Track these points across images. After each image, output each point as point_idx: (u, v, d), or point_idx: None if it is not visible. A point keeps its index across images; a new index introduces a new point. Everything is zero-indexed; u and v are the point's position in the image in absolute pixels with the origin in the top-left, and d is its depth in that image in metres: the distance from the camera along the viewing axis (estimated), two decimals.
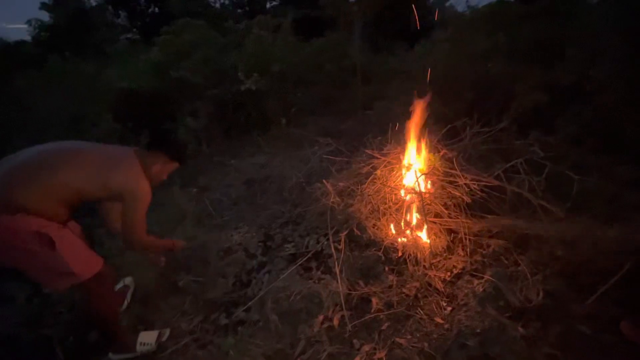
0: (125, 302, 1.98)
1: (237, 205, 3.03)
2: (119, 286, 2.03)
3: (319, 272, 2.01)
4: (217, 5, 15.29)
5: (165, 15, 10.90)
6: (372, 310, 1.76)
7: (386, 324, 1.69)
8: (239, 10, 15.56)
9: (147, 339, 1.73)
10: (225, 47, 5.48)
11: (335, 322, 1.72)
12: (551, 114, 3.14)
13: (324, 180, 2.57)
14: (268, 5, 15.98)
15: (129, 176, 1.50)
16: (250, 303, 1.86)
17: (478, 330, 1.58)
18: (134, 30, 14.01)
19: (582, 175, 2.24)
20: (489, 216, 2.20)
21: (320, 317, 1.73)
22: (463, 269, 1.95)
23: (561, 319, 1.61)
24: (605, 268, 1.84)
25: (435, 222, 2.18)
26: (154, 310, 1.94)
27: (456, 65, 3.81)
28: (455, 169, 2.26)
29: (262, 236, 2.44)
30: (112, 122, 4.37)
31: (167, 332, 1.80)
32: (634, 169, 2.48)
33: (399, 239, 2.14)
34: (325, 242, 2.16)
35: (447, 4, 11.78)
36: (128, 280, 2.08)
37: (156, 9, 14.33)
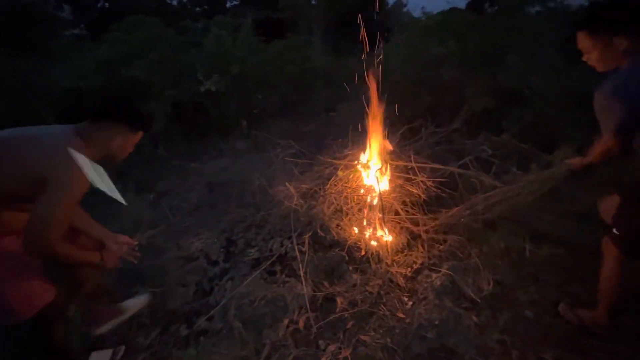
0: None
1: (197, 211, 2.92)
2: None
3: (283, 276, 1.99)
4: (174, 2, 14.68)
5: (116, 11, 10.24)
6: (337, 310, 1.78)
7: (351, 323, 1.72)
8: (197, 9, 15.05)
9: (99, 359, 1.60)
10: (182, 46, 5.27)
11: (301, 324, 1.72)
12: (498, 116, 3.40)
13: (287, 183, 2.56)
14: (228, 5, 15.63)
15: (57, 157, 1.15)
16: (212, 311, 1.80)
17: (436, 322, 1.66)
18: (81, 26, 13.00)
19: (525, 171, 2.45)
20: (444, 210, 2.33)
21: (286, 321, 1.72)
22: (422, 264, 2.04)
23: (509, 306, 1.75)
24: (544, 256, 2.03)
25: (395, 221, 2.26)
26: None
27: (412, 69, 3.99)
28: (413, 166, 2.37)
29: (225, 241, 2.38)
30: (55, 123, 4.01)
31: (122, 349, 1.68)
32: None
33: (362, 239, 2.19)
34: (289, 245, 2.15)
35: (404, 9, 12.31)
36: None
37: (106, 4, 13.42)
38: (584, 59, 1.38)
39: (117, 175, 2.63)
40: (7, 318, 1.22)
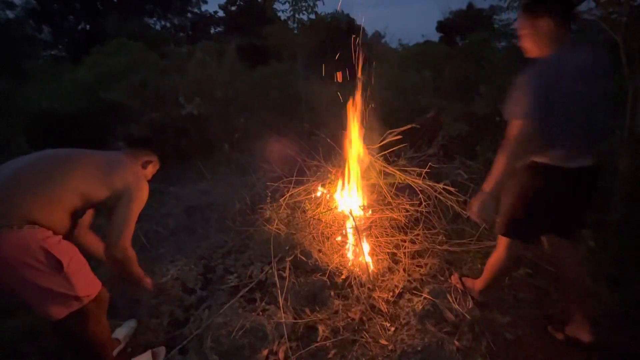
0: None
1: (175, 236, 2.82)
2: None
3: (263, 303, 1.92)
4: (158, 27, 14.87)
5: (98, 35, 10.23)
6: (319, 339, 1.73)
7: (333, 352, 1.67)
8: (181, 34, 15.30)
9: None
10: (165, 70, 5.30)
11: (281, 355, 1.65)
12: (472, 142, 3.56)
13: (268, 207, 2.54)
14: (212, 32, 15.98)
15: (134, 177, 1.52)
16: (184, 342, 1.71)
17: (419, 349, 1.63)
18: (59, 47, 12.86)
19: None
20: (427, 232, 2.36)
21: (265, 352, 1.65)
22: (404, 287, 2.04)
23: (489, 328, 1.75)
24: (521, 277, 2.07)
25: (375, 245, 2.26)
26: None
27: (391, 97, 4.16)
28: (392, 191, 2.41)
29: (202, 268, 2.29)
30: (26, 147, 3.86)
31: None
32: None
33: (343, 263, 2.17)
34: (270, 271, 2.10)
35: (383, 40, 12.98)
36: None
37: (87, 27, 13.41)
38: (519, 42, 1.50)
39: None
40: (69, 305, 1.30)
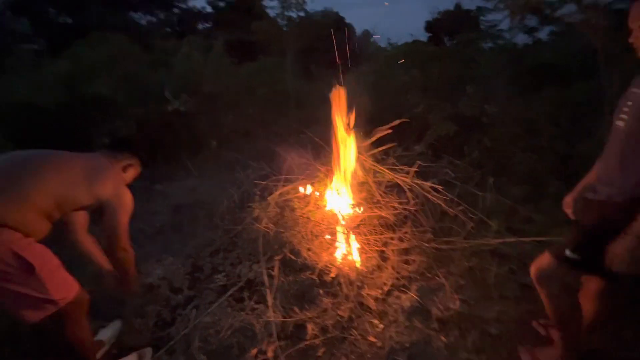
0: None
1: (161, 235, 2.77)
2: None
3: (252, 302, 1.91)
4: (143, 22, 14.50)
5: (79, 27, 9.90)
6: (308, 337, 1.73)
7: (322, 350, 1.67)
8: (167, 29, 14.95)
9: None
10: (150, 64, 5.17)
11: (270, 354, 1.64)
12: (460, 141, 3.62)
13: (256, 205, 2.52)
14: (199, 27, 15.69)
15: (116, 184, 1.51)
16: (171, 343, 1.68)
17: (407, 345, 1.66)
18: (39, 40, 12.38)
19: (484, 192, 2.60)
20: (416, 230, 2.39)
21: (254, 351, 1.64)
22: (392, 285, 2.06)
23: (475, 324, 1.79)
24: (505, 274, 2.12)
25: (365, 242, 2.28)
26: None
27: (380, 95, 4.18)
28: (381, 189, 2.43)
29: (190, 267, 2.26)
30: (2, 140, 3.70)
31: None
32: (523, 188, 2.96)
33: (333, 261, 2.18)
34: (259, 270, 2.09)
35: (372, 39, 13.01)
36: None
37: (68, 20, 12.95)
38: (630, 39, 1.23)
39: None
40: (45, 308, 1.28)
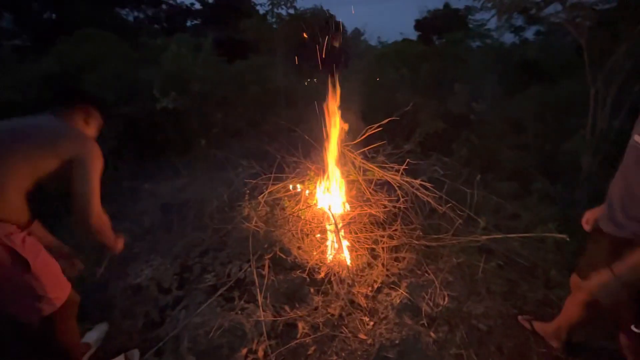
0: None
1: (150, 235, 2.73)
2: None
3: (241, 302, 1.90)
4: (130, 18, 14.24)
5: (65, 24, 9.67)
6: (299, 336, 1.73)
7: (313, 348, 1.68)
8: (156, 26, 14.72)
9: None
10: (138, 62, 5.08)
11: (260, 353, 1.64)
12: (448, 139, 3.66)
13: (246, 204, 2.50)
14: (188, 24, 15.49)
15: (79, 138, 1.34)
16: (160, 344, 1.66)
17: (397, 342, 1.67)
18: (23, 36, 12.06)
19: (472, 189, 2.64)
20: (405, 227, 2.41)
21: (244, 351, 1.63)
22: (382, 282, 2.07)
23: (464, 320, 1.81)
24: (493, 270, 2.15)
25: (355, 240, 2.28)
26: None
27: (370, 94, 4.19)
28: (371, 187, 2.44)
29: (179, 267, 2.23)
30: None
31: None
32: (510, 185, 3.01)
33: (323, 260, 2.18)
34: (249, 269, 2.07)
35: (362, 37, 13.04)
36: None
37: (53, 15, 12.64)
38: None
39: (60, 197, 2.40)
40: (42, 308, 1.24)
